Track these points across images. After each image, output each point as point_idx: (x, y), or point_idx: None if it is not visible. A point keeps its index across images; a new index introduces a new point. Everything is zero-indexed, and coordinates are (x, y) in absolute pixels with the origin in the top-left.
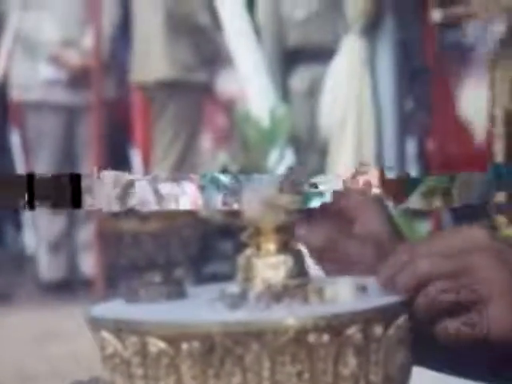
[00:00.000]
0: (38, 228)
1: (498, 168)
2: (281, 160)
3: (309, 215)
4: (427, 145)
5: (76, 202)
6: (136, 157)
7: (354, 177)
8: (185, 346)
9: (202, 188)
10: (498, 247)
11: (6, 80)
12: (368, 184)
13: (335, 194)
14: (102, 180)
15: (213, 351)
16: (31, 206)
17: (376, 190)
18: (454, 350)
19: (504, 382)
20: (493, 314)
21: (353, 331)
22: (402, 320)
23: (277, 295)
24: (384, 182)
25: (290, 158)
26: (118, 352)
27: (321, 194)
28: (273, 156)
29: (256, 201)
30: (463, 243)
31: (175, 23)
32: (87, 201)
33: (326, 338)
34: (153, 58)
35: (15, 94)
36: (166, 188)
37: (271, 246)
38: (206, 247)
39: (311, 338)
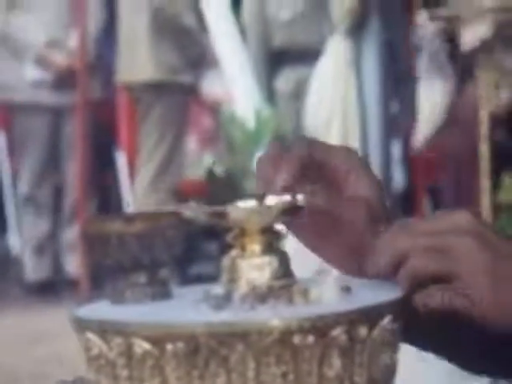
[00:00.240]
0: (23, 230)
1: None
2: None
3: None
4: (412, 147)
5: None
6: (121, 158)
7: None
8: (169, 346)
9: None
10: (481, 230)
11: None
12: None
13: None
14: None
15: (197, 352)
16: None
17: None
18: (438, 329)
19: (490, 364)
20: (472, 293)
21: (337, 332)
22: (386, 321)
23: (261, 296)
24: None
25: None
26: (103, 353)
27: None
28: None
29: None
30: (445, 225)
31: (161, 25)
32: None
33: (310, 339)
34: (139, 60)
35: (1, 96)
36: None
37: (256, 247)
38: (190, 248)
39: (296, 339)
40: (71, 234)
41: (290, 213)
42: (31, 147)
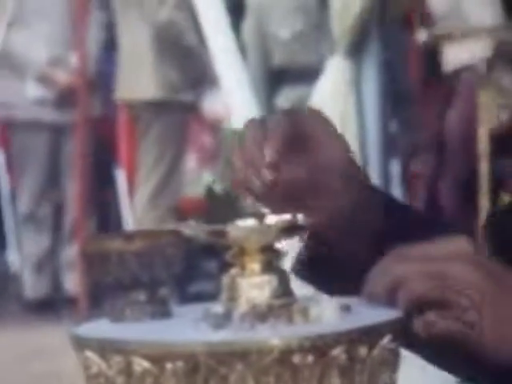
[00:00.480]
0: (23, 247)
1: None
2: None
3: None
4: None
5: None
6: (120, 175)
7: None
8: (169, 365)
9: None
10: (477, 257)
11: None
12: None
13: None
14: None
15: (197, 371)
16: None
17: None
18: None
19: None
20: (469, 320)
21: (337, 352)
22: (386, 341)
23: (261, 315)
24: None
25: None
26: (103, 371)
27: None
28: None
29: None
30: (442, 252)
31: (163, 44)
32: None
33: (310, 358)
34: (141, 78)
35: (1, 113)
36: None
37: (256, 266)
38: (190, 266)
39: (296, 358)
40: (71, 251)
41: (290, 231)
42: (31, 165)
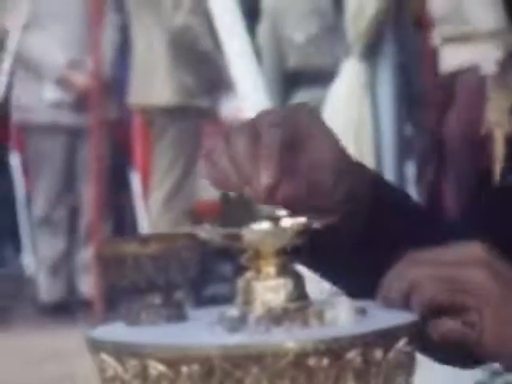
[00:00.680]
0: (38, 250)
1: None
2: None
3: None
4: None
5: None
6: (135, 179)
7: None
8: (184, 369)
9: None
10: (492, 262)
11: (6, 102)
12: None
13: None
14: None
15: (212, 374)
16: None
17: None
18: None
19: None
20: (482, 325)
21: (353, 355)
22: (402, 344)
23: (277, 318)
24: None
25: None
26: (119, 375)
27: None
28: None
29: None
30: (457, 256)
31: (179, 50)
32: None
33: (325, 361)
34: (156, 84)
35: (17, 116)
36: None
37: (271, 269)
38: (205, 270)
39: (311, 361)
40: (86, 254)
41: (305, 234)
42: (47, 168)
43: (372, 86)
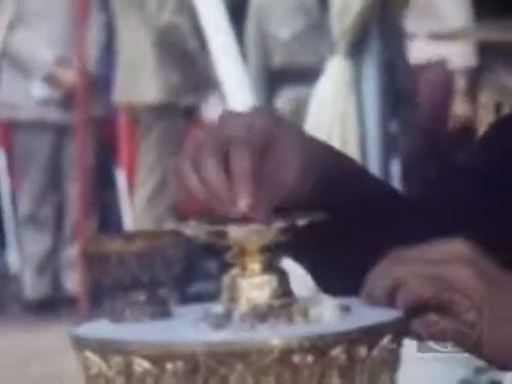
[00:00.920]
0: (24, 247)
1: None
2: None
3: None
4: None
5: None
6: (121, 176)
7: None
8: (169, 365)
9: None
10: (476, 259)
11: None
12: None
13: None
14: None
15: (197, 371)
16: None
17: None
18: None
19: None
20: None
21: (337, 352)
22: (386, 341)
23: (261, 315)
24: None
25: None
26: (103, 372)
27: None
28: None
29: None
30: (442, 254)
31: (165, 48)
32: None
33: (310, 358)
34: (142, 82)
35: (4, 114)
36: None
37: (256, 266)
38: (190, 267)
39: (296, 358)
40: (71, 252)
41: (289, 232)
42: (32, 166)
43: (357, 84)
